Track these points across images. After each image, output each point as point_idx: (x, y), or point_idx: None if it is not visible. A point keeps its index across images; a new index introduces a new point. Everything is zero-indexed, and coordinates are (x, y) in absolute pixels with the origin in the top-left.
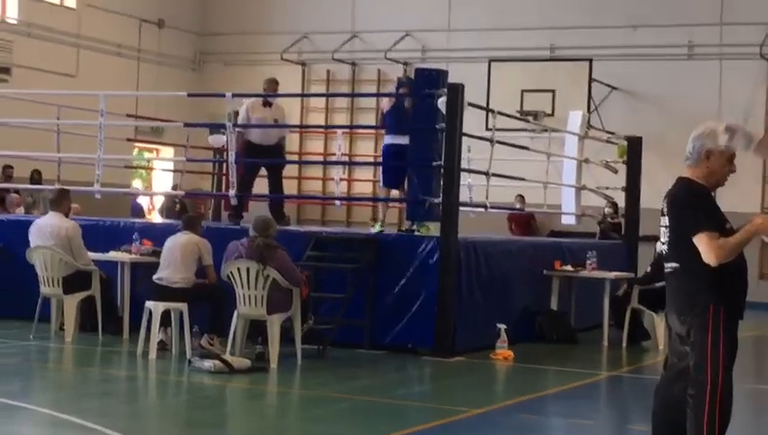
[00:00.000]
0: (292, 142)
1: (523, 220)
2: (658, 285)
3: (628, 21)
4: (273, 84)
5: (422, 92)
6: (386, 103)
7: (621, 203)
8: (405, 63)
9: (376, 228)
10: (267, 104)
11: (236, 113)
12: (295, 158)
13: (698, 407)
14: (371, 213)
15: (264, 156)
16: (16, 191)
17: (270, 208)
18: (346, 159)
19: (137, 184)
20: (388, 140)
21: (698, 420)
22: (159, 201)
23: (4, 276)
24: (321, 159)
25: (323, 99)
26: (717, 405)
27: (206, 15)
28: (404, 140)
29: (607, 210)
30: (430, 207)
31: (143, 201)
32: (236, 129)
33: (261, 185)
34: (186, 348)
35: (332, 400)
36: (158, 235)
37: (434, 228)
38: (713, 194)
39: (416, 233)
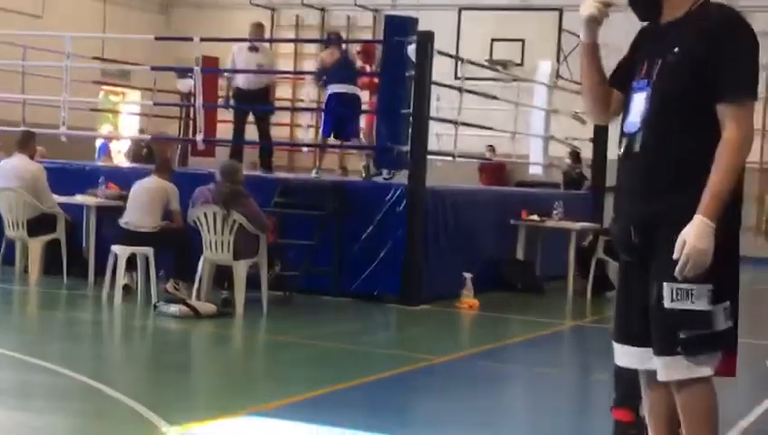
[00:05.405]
0: None
1: (494, 171)
2: None
3: None
4: (257, 29)
5: (392, 40)
6: (327, 56)
7: (589, 154)
8: (374, 10)
9: (312, 174)
10: (254, 49)
11: None
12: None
13: None
14: (338, 160)
15: (250, 101)
16: None
17: (260, 156)
18: (315, 105)
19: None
20: (332, 89)
21: None
22: (125, 145)
23: None
24: (289, 105)
25: (292, 44)
26: None
27: None
28: (344, 88)
29: (566, 160)
30: (398, 155)
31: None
32: (225, 74)
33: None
34: (151, 292)
35: (297, 345)
36: (124, 178)
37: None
38: None
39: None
